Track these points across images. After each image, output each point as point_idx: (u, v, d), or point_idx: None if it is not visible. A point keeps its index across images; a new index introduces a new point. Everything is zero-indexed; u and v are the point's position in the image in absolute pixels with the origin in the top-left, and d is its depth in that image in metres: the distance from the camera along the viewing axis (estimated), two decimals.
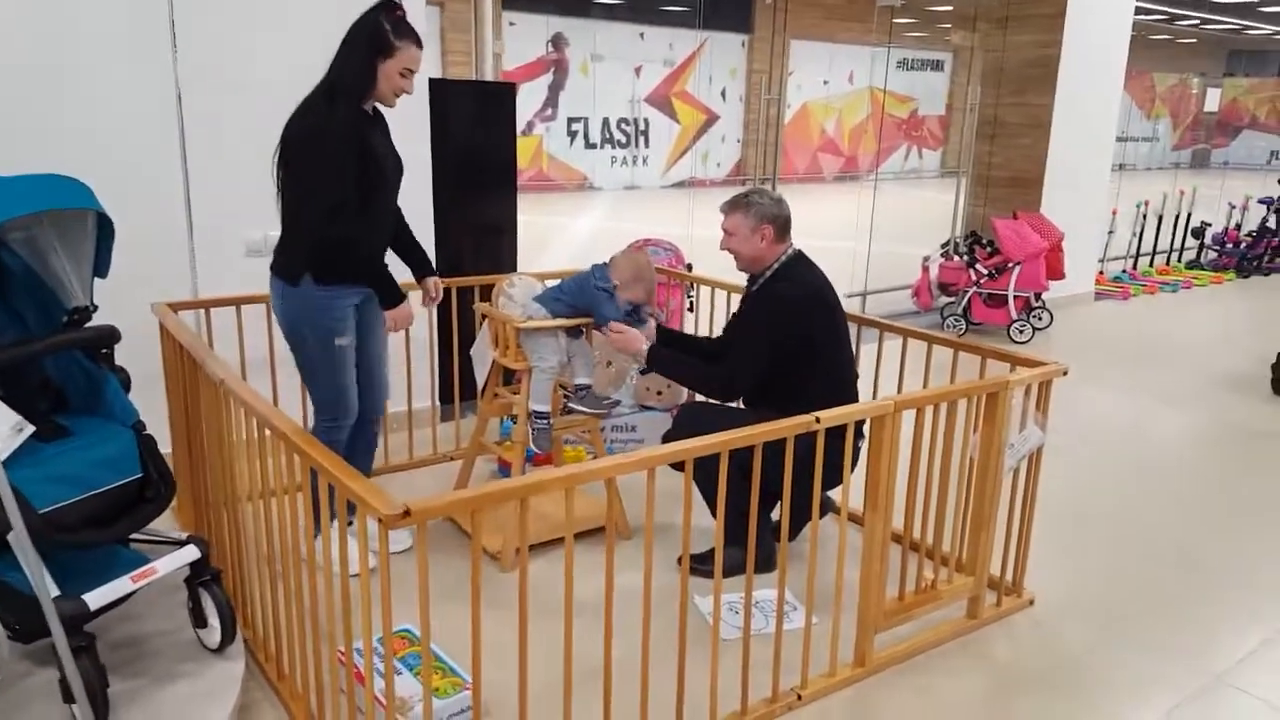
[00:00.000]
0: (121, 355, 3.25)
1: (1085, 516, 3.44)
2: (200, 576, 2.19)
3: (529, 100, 14.35)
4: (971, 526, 2.60)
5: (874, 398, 3.18)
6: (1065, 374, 2.64)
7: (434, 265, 3.01)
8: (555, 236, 10.18)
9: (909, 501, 2.48)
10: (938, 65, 19.84)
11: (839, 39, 17.11)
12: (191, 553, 2.15)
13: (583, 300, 2.82)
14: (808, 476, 2.22)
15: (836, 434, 2.19)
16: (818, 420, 2.12)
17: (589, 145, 15.18)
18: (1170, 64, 22.52)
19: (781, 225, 2.78)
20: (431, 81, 3.83)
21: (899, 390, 3.14)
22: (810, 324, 2.72)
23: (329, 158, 2.45)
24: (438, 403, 3.98)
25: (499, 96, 4.17)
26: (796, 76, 17.26)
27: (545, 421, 2.83)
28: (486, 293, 3.25)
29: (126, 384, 2.27)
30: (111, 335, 2.19)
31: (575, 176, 15.12)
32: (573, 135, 14.97)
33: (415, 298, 2.83)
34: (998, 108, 7.08)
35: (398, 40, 2.47)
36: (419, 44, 2.54)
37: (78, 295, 2.17)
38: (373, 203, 2.57)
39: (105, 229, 2.15)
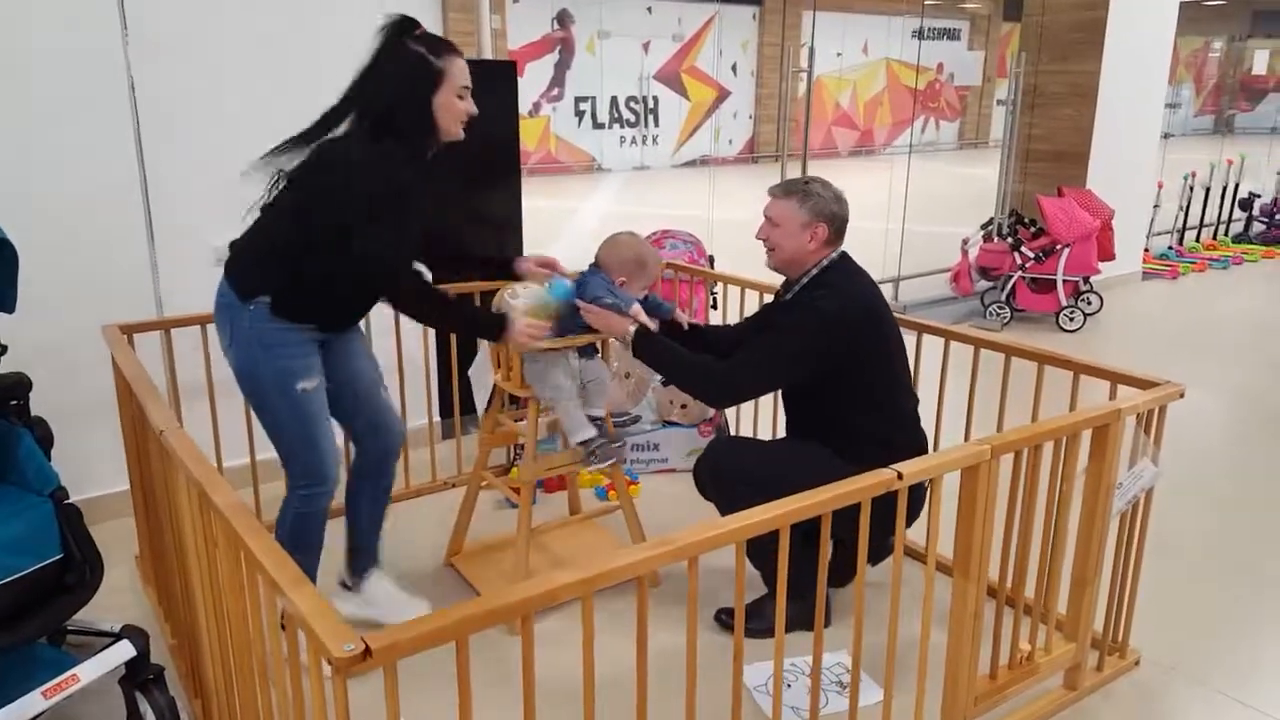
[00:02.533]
0: (77, 380, 2.90)
1: (1169, 547, 3.00)
2: (137, 677, 1.79)
3: (535, 80, 13.83)
4: (1073, 583, 2.17)
5: (936, 425, 2.76)
6: (1182, 396, 2.20)
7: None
8: (565, 223, 9.73)
9: (1003, 554, 2.05)
10: (954, 34, 19.17)
11: (853, 9, 16.48)
12: (125, 650, 1.74)
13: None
14: (876, 526, 1.79)
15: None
16: (900, 476, 1.69)
17: (597, 125, 14.65)
18: (1193, 27, 21.74)
19: (838, 228, 2.33)
20: None
21: (968, 413, 2.72)
22: (854, 342, 2.27)
23: (361, 210, 1.99)
24: (437, 418, 3.56)
25: (498, 75, 3.72)
26: (809, 49, 16.63)
27: (597, 440, 2.45)
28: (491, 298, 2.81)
29: (47, 440, 1.86)
30: (20, 384, 1.78)
31: (583, 158, 14.61)
32: (580, 115, 14.44)
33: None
34: (1038, 76, 6.55)
35: (439, 60, 2.04)
36: (459, 52, 2.10)
37: None
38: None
39: (6, 256, 1.73)
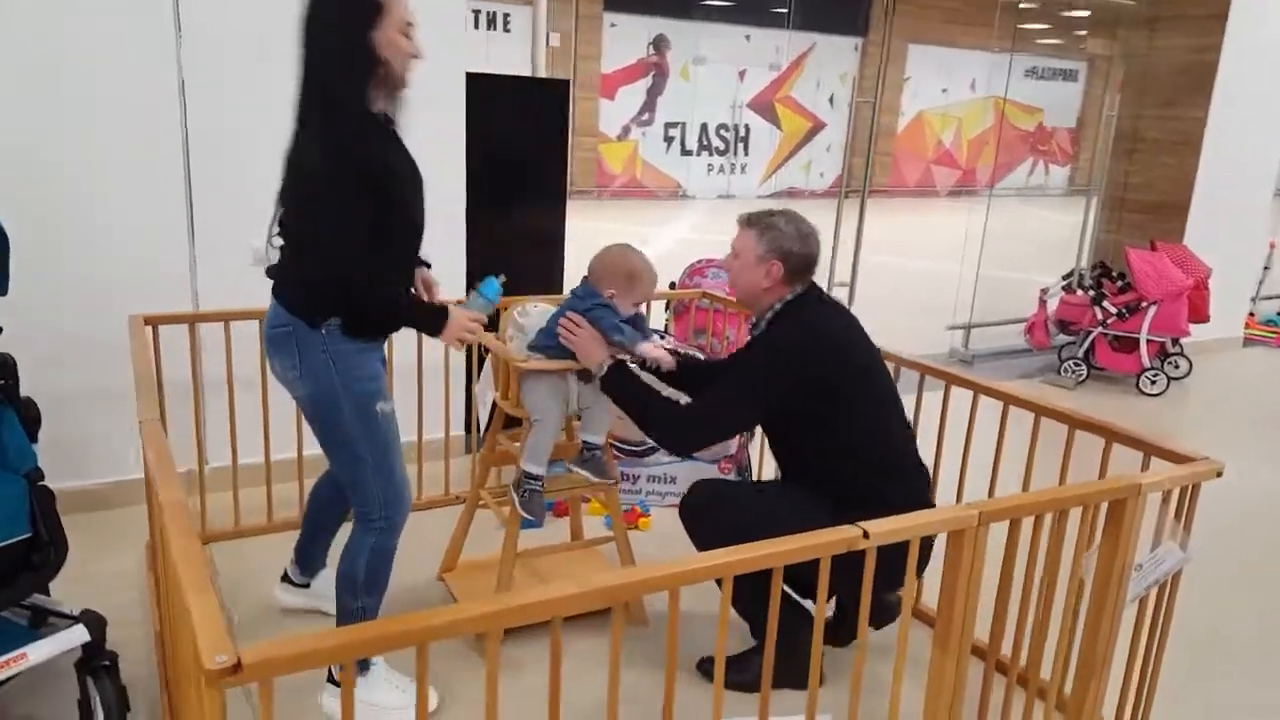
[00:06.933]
0: (112, 368, 2.99)
1: (1219, 639, 2.73)
2: (91, 662, 1.80)
3: (626, 105, 13.99)
4: (1079, 669, 1.98)
5: (960, 481, 2.59)
6: (1220, 475, 1.99)
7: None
8: (641, 248, 9.71)
9: (996, 621, 1.89)
10: (1070, 75, 18.50)
11: (961, 44, 16.10)
12: (79, 634, 1.76)
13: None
14: (859, 585, 1.66)
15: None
16: (866, 535, 1.56)
17: (685, 152, 14.68)
18: None
19: (796, 267, 2.21)
20: (470, 76, 3.41)
21: (993, 472, 2.54)
22: (815, 377, 2.13)
23: (345, 191, 1.83)
24: (451, 434, 3.55)
25: (549, 94, 3.72)
26: (913, 83, 16.31)
27: (538, 483, 2.34)
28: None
29: (34, 421, 1.91)
30: (5, 364, 1.82)
31: (668, 184, 14.65)
32: (669, 141, 14.51)
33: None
34: (1138, 121, 6.22)
35: None
36: None
37: None
38: (406, 242, 2.06)
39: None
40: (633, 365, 2.28)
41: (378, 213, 1.86)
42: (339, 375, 1.96)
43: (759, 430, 3.59)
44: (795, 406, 2.15)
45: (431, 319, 2.02)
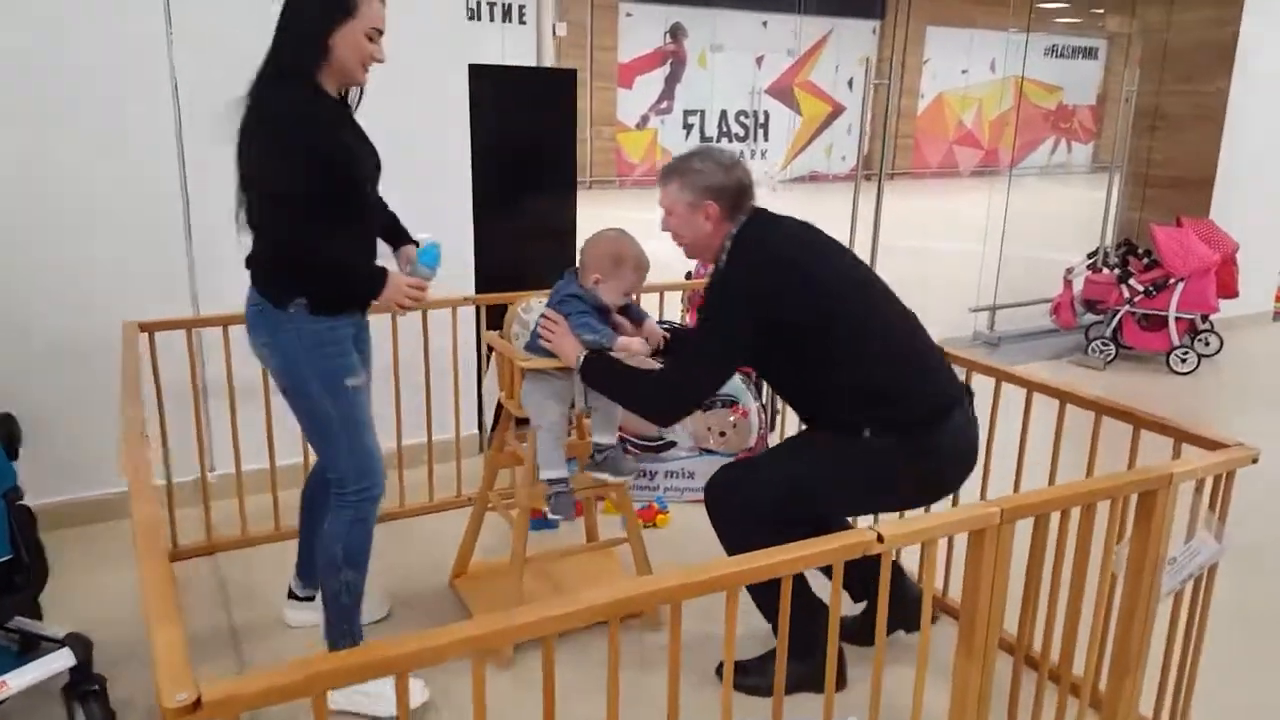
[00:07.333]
0: (116, 373, 2.95)
1: (1260, 631, 2.60)
2: (79, 686, 1.75)
3: (644, 93, 13.90)
4: (1114, 665, 1.88)
5: (984, 473, 2.48)
6: (1255, 461, 1.87)
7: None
8: (660, 235, 9.61)
9: (1024, 616, 1.79)
10: (1091, 52, 18.12)
11: (979, 25, 15.80)
12: (65, 659, 1.71)
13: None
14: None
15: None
16: (880, 539, 1.47)
17: (704, 138, 14.59)
18: None
19: (731, 199, 2.10)
20: (472, 68, 3.33)
21: (1019, 461, 2.43)
22: (779, 297, 2.01)
23: (292, 159, 1.91)
24: (464, 433, 3.49)
25: (556, 84, 3.64)
26: (932, 65, 16.07)
27: (565, 485, 2.27)
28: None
29: (12, 439, 1.85)
30: None
31: None
32: (689, 128, 14.40)
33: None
34: (1159, 96, 6.02)
35: None
36: None
37: None
38: (356, 212, 2.05)
39: None
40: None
41: (324, 182, 1.91)
42: (305, 351, 2.03)
43: (779, 421, 3.52)
44: (773, 342, 2.04)
45: (369, 281, 2.00)
